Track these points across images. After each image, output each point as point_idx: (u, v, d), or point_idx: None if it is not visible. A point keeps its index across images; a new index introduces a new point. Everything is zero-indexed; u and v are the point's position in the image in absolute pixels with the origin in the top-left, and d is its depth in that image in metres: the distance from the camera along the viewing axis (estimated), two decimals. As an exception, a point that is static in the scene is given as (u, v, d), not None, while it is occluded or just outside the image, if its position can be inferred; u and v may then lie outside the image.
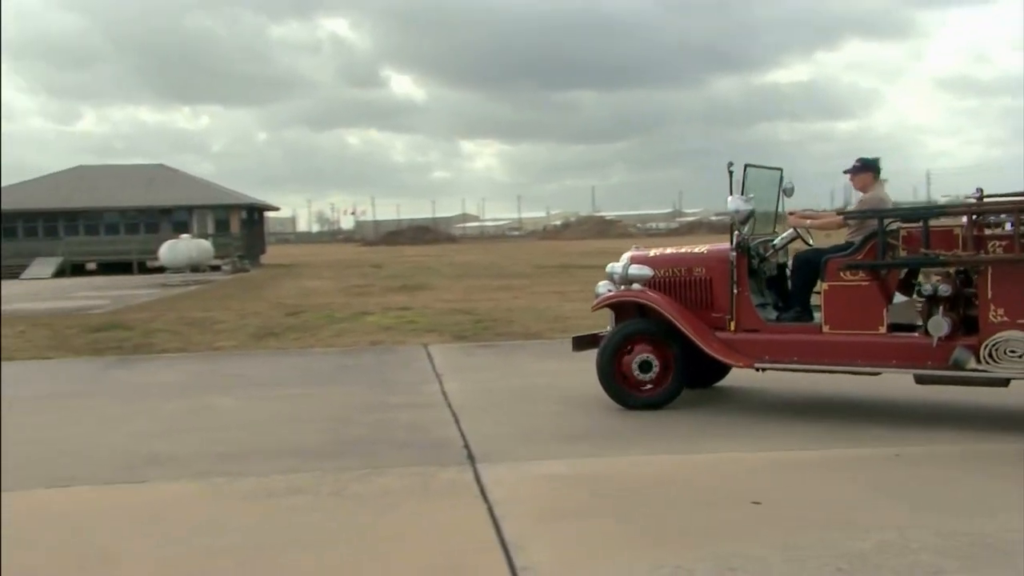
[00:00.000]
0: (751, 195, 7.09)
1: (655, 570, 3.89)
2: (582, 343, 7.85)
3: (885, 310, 6.58)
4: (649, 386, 7.24)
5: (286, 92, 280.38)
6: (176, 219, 45.26)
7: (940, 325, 6.23)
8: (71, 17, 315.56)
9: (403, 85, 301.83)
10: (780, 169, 7.81)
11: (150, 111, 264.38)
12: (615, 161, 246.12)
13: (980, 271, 6.21)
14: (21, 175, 67.01)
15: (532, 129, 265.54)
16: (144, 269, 41.11)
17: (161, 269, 37.03)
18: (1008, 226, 6.20)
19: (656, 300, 7.30)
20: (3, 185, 49.21)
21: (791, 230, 7.51)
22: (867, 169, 7.22)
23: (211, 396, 8.01)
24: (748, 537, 4.25)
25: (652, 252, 7.83)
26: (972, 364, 6.11)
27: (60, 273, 40.69)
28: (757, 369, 7.01)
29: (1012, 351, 6.00)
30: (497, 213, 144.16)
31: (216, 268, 38.80)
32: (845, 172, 7.32)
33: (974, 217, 6.28)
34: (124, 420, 7.48)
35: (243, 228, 47.10)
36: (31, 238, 44.97)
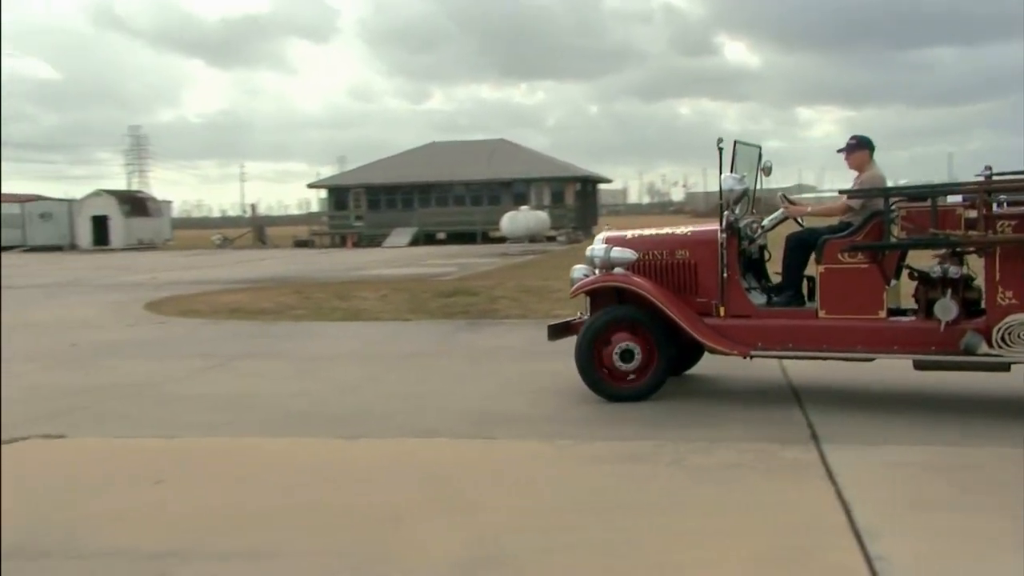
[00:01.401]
0: (744, 174, 6.87)
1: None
2: (557, 331, 7.47)
3: (885, 293, 6.29)
4: (632, 376, 6.87)
5: (617, 64, 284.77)
6: (516, 191, 47.64)
7: (949, 309, 5.98)
8: (422, 3, 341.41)
9: (737, 52, 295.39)
10: (759, 147, 7.44)
11: (490, 88, 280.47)
12: (975, 125, 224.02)
13: (988, 252, 5.93)
14: (382, 152, 73.72)
15: (878, 92, 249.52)
16: (487, 239, 43.80)
17: (502, 239, 39.16)
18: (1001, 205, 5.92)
19: (643, 286, 6.87)
20: (369, 162, 54.52)
21: (781, 211, 7.14)
22: (863, 147, 6.95)
23: (551, 362, 8.35)
24: None
25: (629, 234, 7.44)
26: (984, 349, 5.87)
27: (414, 242, 44.50)
28: (746, 357, 6.64)
29: None
30: (837, 184, 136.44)
31: (552, 239, 40.40)
32: (839, 151, 7.03)
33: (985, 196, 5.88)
34: (473, 380, 8.01)
35: (577, 200, 48.60)
36: (391, 210, 49.46)
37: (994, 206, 5.94)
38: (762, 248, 7.31)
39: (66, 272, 27.38)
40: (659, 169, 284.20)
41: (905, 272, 6.63)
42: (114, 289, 19.86)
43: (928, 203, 6.16)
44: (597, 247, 7.16)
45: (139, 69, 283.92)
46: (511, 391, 7.41)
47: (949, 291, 6.06)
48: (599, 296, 7.20)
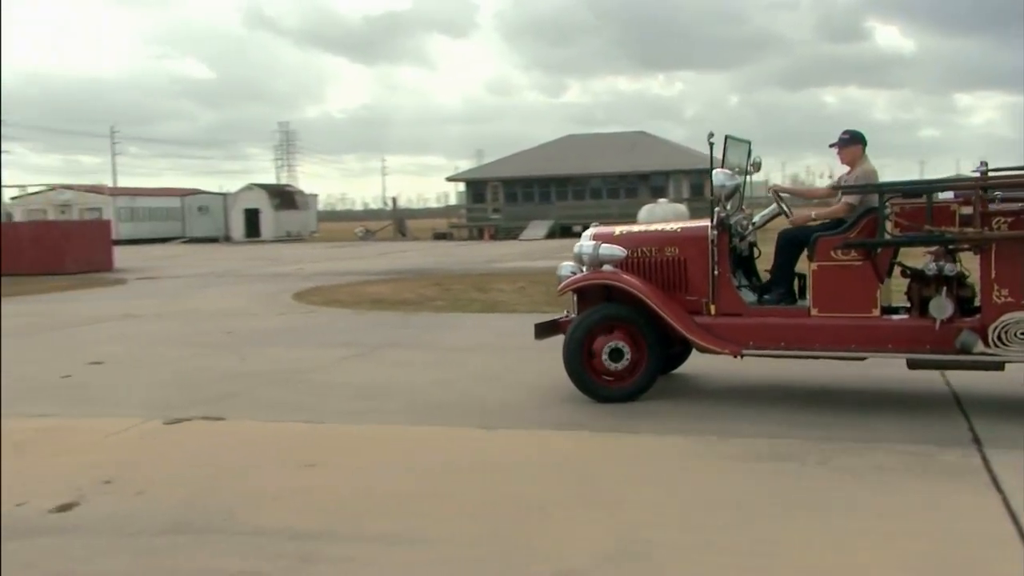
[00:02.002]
0: (736, 169, 6.72)
1: None
2: (544, 330, 7.23)
3: (879, 291, 6.15)
4: (621, 376, 6.69)
5: (759, 53, 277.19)
6: (654, 184, 47.16)
7: (944, 307, 5.91)
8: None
9: (889, 36, 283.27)
10: (749, 142, 7.19)
11: (628, 81, 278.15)
12: None
13: (984, 250, 5.83)
14: (519, 145, 74.26)
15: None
16: (624, 232, 43.41)
17: (639, 232, 38.68)
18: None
19: (633, 283, 6.68)
20: (506, 155, 54.97)
21: (773, 207, 7.02)
22: (856, 142, 6.73)
23: (692, 356, 8.18)
24: None
25: (618, 230, 7.22)
26: (980, 348, 5.77)
27: (551, 235, 44.65)
28: (737, 356, 6.46)
29: (1022, 333, 5.68)
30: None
31: (690, 232, 39.65)
32: (831, 146, 6.81)
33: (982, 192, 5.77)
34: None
35: (716, 192, 47.61)
36: (528, 202, 49.80)
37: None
38: (752, 245, 7.10)
39: (220, 263, 28.79)
40: (803, 160, 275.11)
41: (897, 269, 6.42)
42: (265, 280, 20.75)
43: (923, 199, 6.01)
44: (585, 244, 6.94)
45: (286, 67, 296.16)
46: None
47: (944, 289, 5.96)
48: (587, 294, 7.02)
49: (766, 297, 6.70)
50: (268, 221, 52.94)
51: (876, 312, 6.18)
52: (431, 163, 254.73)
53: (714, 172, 6.57)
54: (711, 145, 6.53)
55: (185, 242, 51.48)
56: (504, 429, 6.09)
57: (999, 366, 5.94)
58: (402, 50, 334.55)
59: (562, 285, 7.07)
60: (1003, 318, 5.74)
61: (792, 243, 6.64)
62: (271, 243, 47.29)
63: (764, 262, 7.05)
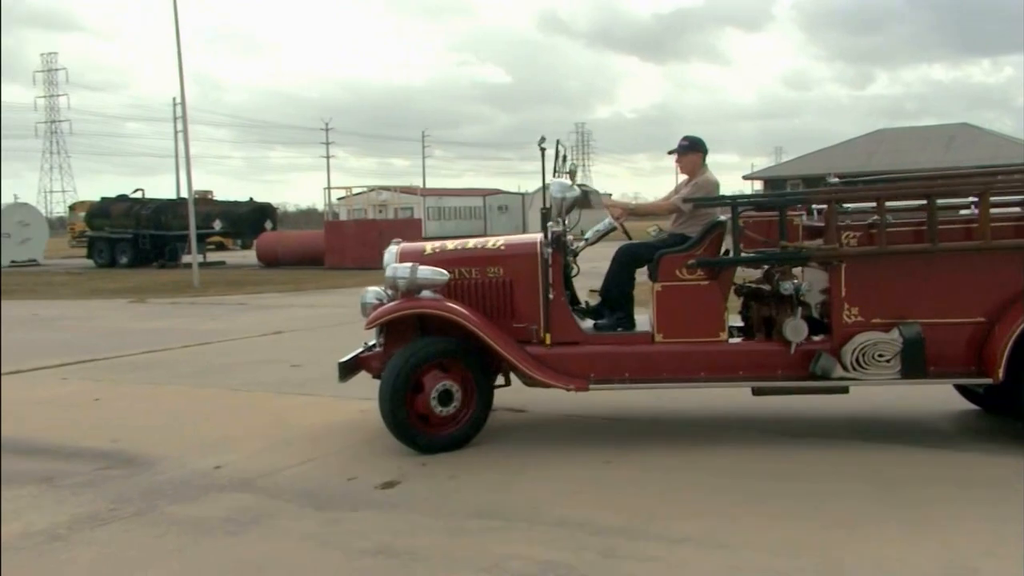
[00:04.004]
0: (577, 178, 6.00)
1: None
2: (348, 370, 6.00)
3: (726, 313, 5.74)
4: (450, 421, 5.69)
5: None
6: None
7: (800, 329, 5.54)
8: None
9: None
10: (564, 147, 6.19)
11: (944, 68, 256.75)
12: None
13: (834, 266, 5.53)
14: (819, 142, 71.03)
15: None
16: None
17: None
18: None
19: (465, 315, 5.68)
20: (807, 152, 52.82)
21: (607, 221, 6.20)
22: (696, 150, 6.21)
23: None
24: None
25: (429, 247, 6.23)
26: (839, 372, 5.46)
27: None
28: (575, 391, 5.71)
29: (880, 355, 5.41)
30: None
31: None
32: (670, 152, 6.28)
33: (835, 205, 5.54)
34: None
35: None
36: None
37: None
38: (568, 263, 6.08)
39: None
40: None
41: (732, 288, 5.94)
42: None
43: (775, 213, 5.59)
44: (400, 266, 5.85)
45: (578, 69, 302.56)
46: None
47: (799, 310, 5.53)
48: (395, 327, 5.92)
49: (600, 322, 5.98)
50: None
51: (724, 336, 5.70)
52: (723, 161, 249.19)
53: (550, 182, 5.89)
54: (542, 151, 5.76)
55: (487, 240, 54.25)
56: (810, 437, 5.82)
57: (845, 390, 5.63)
58: (693, 47, 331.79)
59: (374, 316, 5.81)
60: (860, 339, 5.41)
61: (633, 261, 6.01)
62: (567, 241, 48.63)
63: (584, 280, 6.31)
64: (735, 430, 6.11)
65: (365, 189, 60.18)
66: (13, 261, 33.11)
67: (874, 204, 5.58)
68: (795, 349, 5.57)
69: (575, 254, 6.17)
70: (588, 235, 6.38)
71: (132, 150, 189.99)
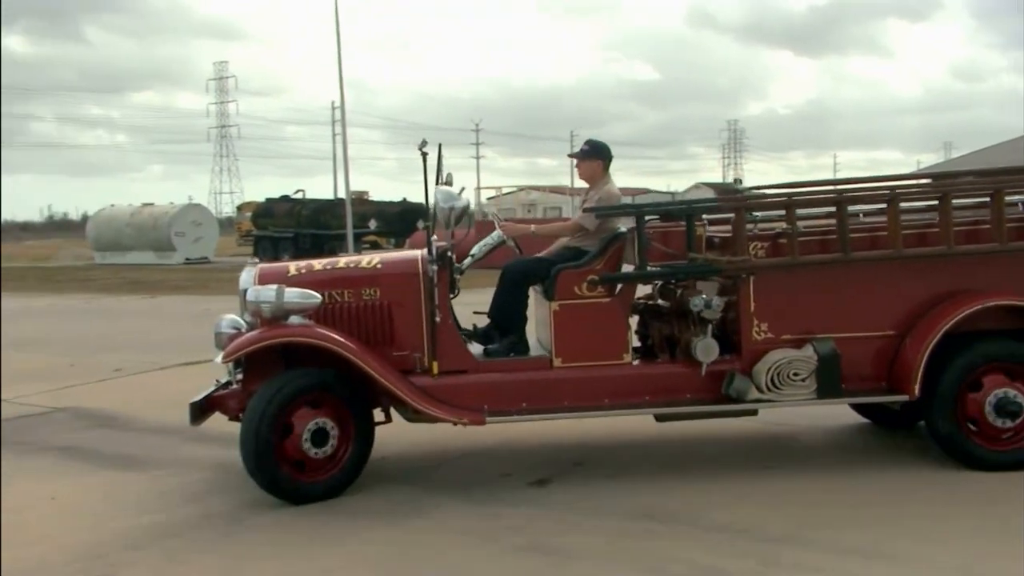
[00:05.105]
0: (462, 186, 5.36)
1: None
2: (201, 411, 5.14)
3: (629, 333, 5.20)
4: (321, 465, 4.95)
5: None
6: None
7: (711, 349, 5.00)
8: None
9: None
10: (439, 145, 5.45)
11: None
12: None
13: (742, 280, 5.08)
14: (994, 136, 67.09)
15: None
16: None
17: None
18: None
19: (341, 343, 4.96)
20: (981, 147, 49.92)
21: (495, 234, 5.62)
22: (597, 156, 5.60)
23: None
24: None
25: (293, 267, 5.49)
26: (754, 394, 4.96)
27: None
28: (463, 424, 5.09)
29: (796, 374, 4.97)
30: None
31: None
32: (570, 156, 5.96)
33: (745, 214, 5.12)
34: None
35: None
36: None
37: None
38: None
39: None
40: None
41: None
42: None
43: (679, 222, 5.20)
44: (263, 289, 5.04)
45: (728, 64, 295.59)
46: None
47: (709, 328, 5.03)
48: (255, 359, 5.13)
49: (491, 347, 5.37)
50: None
51: (628, 358, 5.20)
52: (884, 158, 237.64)
53: (436, 189, 5.29)
54: (424, 155, 5.20)
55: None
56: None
57: (755, 412, 5.26)
58: (852, 39, 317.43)
59: (232, 348, 4.99)
60: (774, 358, 4.98)
61: (525, 278, 5.45)
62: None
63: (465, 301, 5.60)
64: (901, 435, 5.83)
65: (515, 189, 60.88)
66: (187, 259, 35.18)
67: (783, 212, 5.17)
68: (705, 370, 5.10)
69: (460, 272, 5.45)
70: (474, 251, 5.70)
71: (292, 152, 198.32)
